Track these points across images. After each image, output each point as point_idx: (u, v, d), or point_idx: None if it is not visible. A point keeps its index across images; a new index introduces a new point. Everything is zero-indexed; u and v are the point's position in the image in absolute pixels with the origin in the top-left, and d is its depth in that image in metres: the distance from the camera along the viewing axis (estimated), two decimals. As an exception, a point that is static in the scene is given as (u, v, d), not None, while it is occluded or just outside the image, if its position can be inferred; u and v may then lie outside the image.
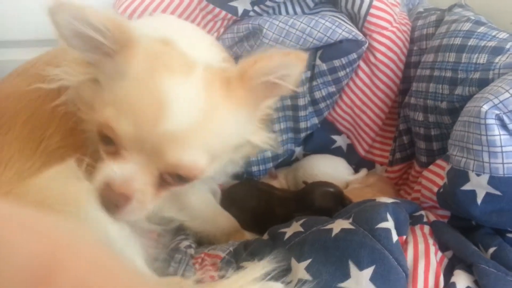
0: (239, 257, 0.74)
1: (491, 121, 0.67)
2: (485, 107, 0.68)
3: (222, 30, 1.08)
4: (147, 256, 0.69)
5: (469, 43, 0.84)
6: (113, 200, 0.60)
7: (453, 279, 0.64)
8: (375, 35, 1.00)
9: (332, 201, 0.92)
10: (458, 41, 0.86)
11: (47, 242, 0.30)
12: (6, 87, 0.74)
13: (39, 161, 0.66)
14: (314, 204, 0.92)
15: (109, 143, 0.61)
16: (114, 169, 0.60)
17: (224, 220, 0.91)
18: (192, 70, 0.60)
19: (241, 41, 1.05)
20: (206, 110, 0.59)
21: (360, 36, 0.98)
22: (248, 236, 0.91)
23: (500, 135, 0.67)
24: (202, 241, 0.87)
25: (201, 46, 0.73)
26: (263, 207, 0.97)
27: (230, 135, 0.65)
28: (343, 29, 0.97)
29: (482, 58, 0.81)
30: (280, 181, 1.13)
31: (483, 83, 0.76)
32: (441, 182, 0.81)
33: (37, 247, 0.29)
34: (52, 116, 0.69)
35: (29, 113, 0.69)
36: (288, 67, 0.61)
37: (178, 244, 0.79)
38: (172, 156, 0.58)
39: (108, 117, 0.58)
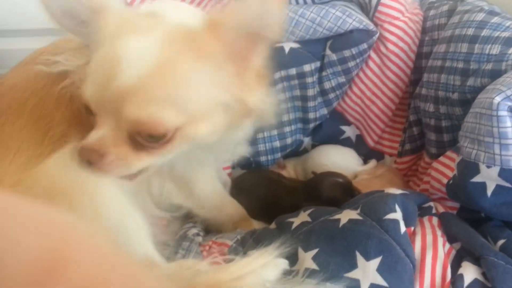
0: (247, 245, 0.74)
1: (503, 112, 0.67)
2: (497, 99, 0.67)
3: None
4: (157, 242, 0.70)
5: (482, 34, 0.83)
6: (87, 158, 0.59)
7: (460, 271, 0.64)
8: (386, 25, 0.99)
9: (341, 192, 0.92)
10: (470, 31, 0.85)
11: (54, 237, 0.31)
12: (13, 77, 0.75)
13: (48, 148, 0.67)
14: (323, 194, 0.92)
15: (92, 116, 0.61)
16: (87, 137, 0.61)
17: (232, 208, 0.91)
18: (153, 30, 0.59)
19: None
20: (163, 64, 0.57)
21: (371, 26, 0.97)
22: (256, 224, 0.91)
23: (512, 127, 0.66)
24: (210, 229, 0.88)
25: (187, 15, 0.69)
26: (272, 196, 0.97)
27: (207, 91, 0.61)
28: (353, 19, 0.96)
29: (495, 49, 0.80)
30: (288, 172, 1.13)
31: (495, 74, 0.75)
32: (451, 174, 0.81)
33: (44, 242, 0.30)
34: (59, 104, 0.70)
35: (36, 101, 0.70)
36: (266, 15, 0.57)
37: (186, 231, 0.80)
38: (129, 112, 0.57)
39: (83, 88, 0.60)
